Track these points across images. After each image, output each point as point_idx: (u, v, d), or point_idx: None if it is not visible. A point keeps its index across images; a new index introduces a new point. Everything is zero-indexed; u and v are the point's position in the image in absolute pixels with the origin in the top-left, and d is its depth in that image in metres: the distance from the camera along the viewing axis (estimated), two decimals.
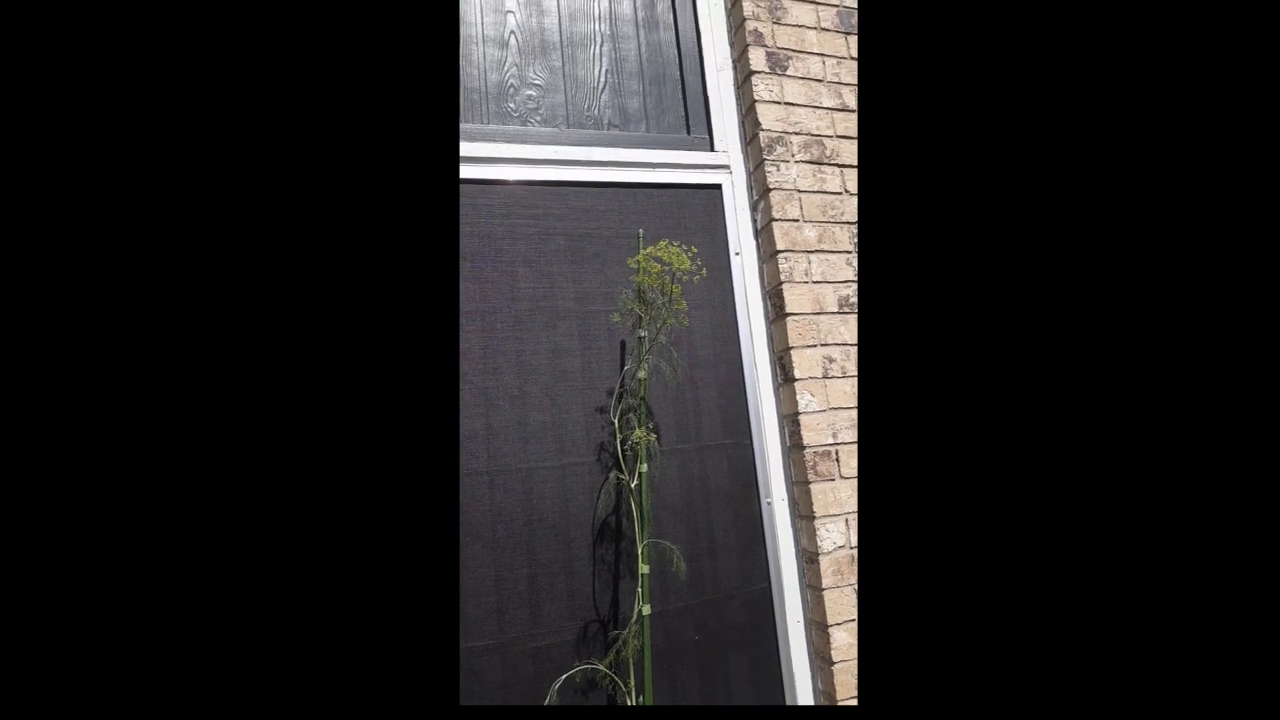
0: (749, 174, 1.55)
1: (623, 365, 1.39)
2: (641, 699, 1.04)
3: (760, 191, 1.50)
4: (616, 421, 1.24)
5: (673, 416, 1.44)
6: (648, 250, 1.13)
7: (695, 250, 1.19)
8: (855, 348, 1.46)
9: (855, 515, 1.38)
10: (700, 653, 1.35)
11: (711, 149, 1.56)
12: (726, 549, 1.42)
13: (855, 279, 1.50)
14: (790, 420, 1.42)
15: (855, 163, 1.56)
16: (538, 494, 1.30)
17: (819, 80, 1.58)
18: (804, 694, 1.36)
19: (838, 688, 1.30)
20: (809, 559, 1.38)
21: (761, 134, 1.49)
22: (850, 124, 1.58)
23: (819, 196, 1.51)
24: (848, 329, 1.46)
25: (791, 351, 1.41)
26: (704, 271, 1.22)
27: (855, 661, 1.32)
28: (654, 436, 1.13)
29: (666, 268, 1.14)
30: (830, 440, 1.40)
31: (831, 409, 1.41)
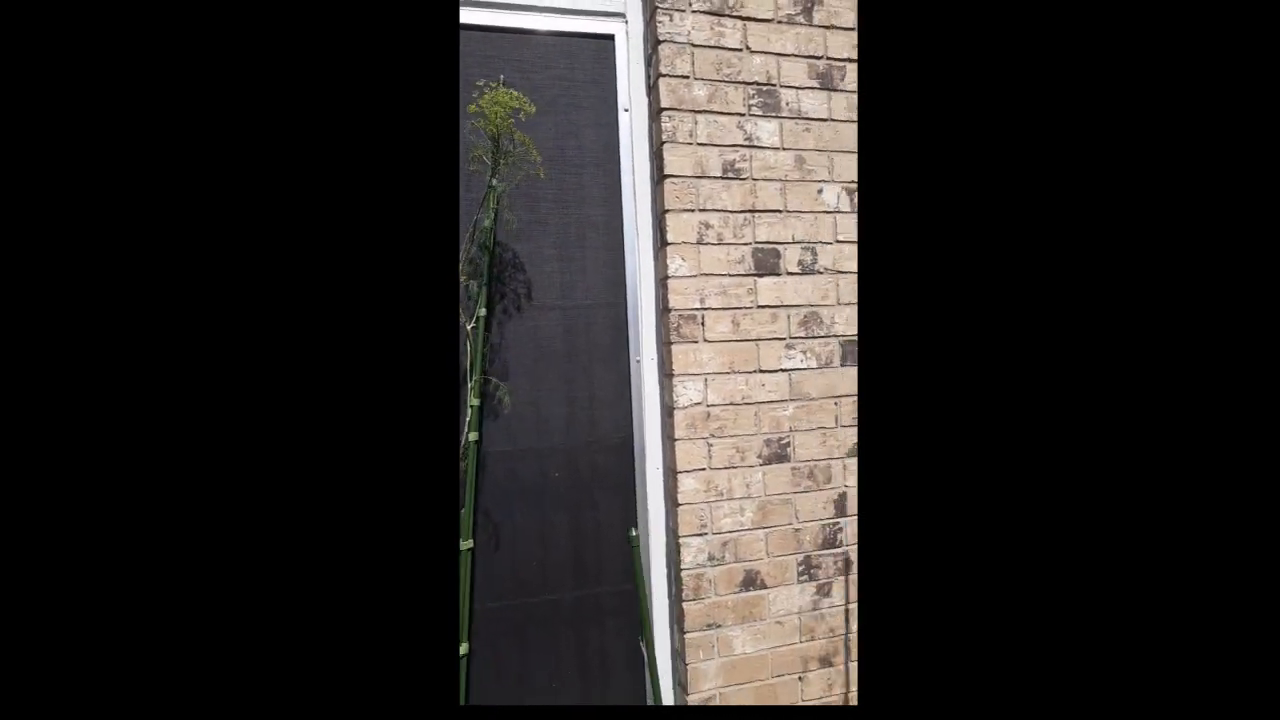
0: (645, 24, 1.48)
1: (497, 218, 1.41)
2: (461, 510, 1.17)
3: (652, 44, 1.44)
4: (462, 268, 1.29)
5: (559, 274, 1.48)
6: (489, 95, 1.12)
7: (522, 95, 1.18)
8: (735, 215, 1.47)
9: (712, 376, 1.45)
10: (568, 491, 1.49)
11: None
12: (601, 400, 1.52)
13: (745, 143, 1.47)
14: (663, 283, 1.46)
15: (761, 16, 1.48)
16: None
17: None
18: (656, 529, 1.51)
19: (681, 525, 1.44)
20: (668, 413, 1.47)
21: None
22: None
23: (714, 52, 1.44)
24: (729, 195, 1.46)
25: (668, 215, 1.42)
26: (532, 108, 1.21)
27: (698, 505, 1.45)
28: (473, 282, 1.18)
29: (514, 114, 1.13)
30: (697, 305, 1.44)
31: (703, 274, 1.44)
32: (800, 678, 1.52)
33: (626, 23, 1.48)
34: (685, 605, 1.44)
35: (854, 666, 1.57)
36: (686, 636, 1.44)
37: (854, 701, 1.57)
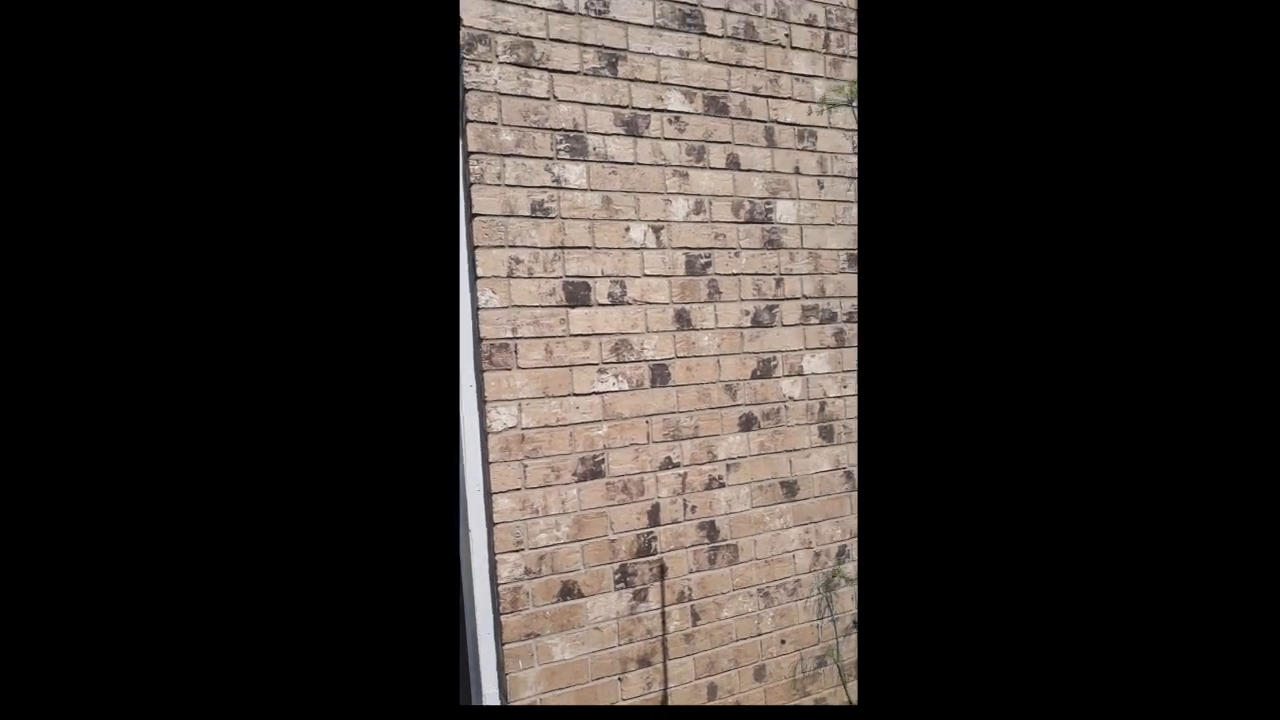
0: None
1: None
2: None
3: (460, 91, 1.53)
4: None
5: None
6: None
7: None
8: (545, 250, 1.58)
9: (527, 401, 1.55)
10: None
11: None
12: None
13: (554, 184, 1.59)
14: (476, 314, 1.55)
15: (567, 68, 1.60)
16: None
17: None
18: (479, 548, 1.59)
19: (497, 543, 1.53)
20: (484, 437, 1.56)
21: (462, 31, 1.50)
22: (565, 27, 1.60)
23: (521, 100, 1.56)
24: (539, 232, 1.57)
25: (478, 250, 1.52)
26: None
27: (513, 523, 1.54)
28: None
29: None
30: (509, 334, 1.54)
31: (513, 306, 1.55)
32: (620, 679, 1.64)
33: None
34: (503, 618, 1.52)
35: (672, 664, 1.70)
36: (505, 648, 1.52)
37: (672, 698, 1.70)
